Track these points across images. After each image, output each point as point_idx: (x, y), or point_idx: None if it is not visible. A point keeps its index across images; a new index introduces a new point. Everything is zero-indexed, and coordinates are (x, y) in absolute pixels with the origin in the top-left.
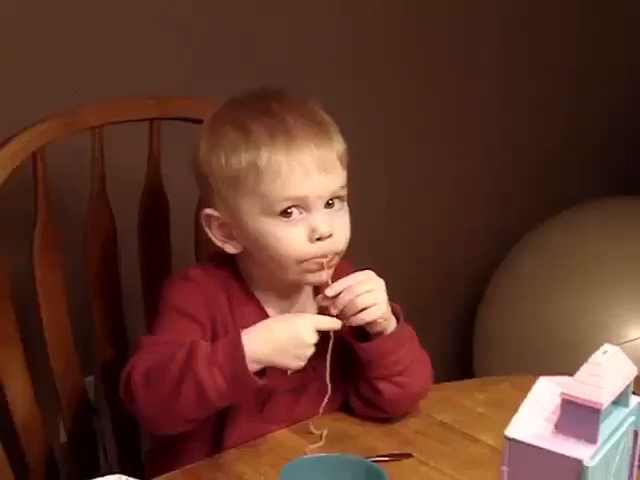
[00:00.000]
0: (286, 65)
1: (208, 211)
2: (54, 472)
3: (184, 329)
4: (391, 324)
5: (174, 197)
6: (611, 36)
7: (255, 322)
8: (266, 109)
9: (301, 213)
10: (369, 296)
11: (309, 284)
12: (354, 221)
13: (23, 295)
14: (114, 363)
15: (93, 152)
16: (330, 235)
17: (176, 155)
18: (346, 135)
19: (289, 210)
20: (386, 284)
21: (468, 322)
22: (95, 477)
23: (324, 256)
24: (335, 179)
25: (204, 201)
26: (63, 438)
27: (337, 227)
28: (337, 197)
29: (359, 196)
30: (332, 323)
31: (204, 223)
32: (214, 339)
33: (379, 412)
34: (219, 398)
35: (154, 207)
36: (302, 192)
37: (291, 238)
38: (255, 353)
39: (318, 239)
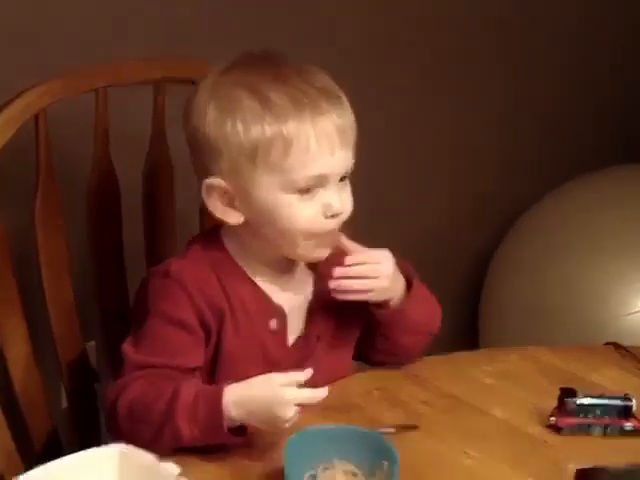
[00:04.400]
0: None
1: (211, 181)
2: (55, 438)
3: (170, 337)
4: (397, 291)
5: (178, 160)
6: None
7: (249, 299)
8: (281, 76)
9: (317, 188)
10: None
11: (313, 260)
12: (356, 189)
13: (24, 259)
14: (116, 328)
15: (96, 114)
16: (342, 211)
17: (181, 118)
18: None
19: (309, 187)
20: (392, 250)
21: (474, 293)
22: (96, 443)
23: (334, 232)
24: (351, 154)
25: (202, 166)
26: (64, 404)
27: (346, 203)
28: (347, 174)
29: (361, 165)
30: (316, 396)
31: (204, 193)
32: (208, 333)
33: (400, 359)
34: (196, 443)
35: (158, 170)
36: (327, 170)
37: (306, 214)
38: (232, 419)
39: (331, 215)
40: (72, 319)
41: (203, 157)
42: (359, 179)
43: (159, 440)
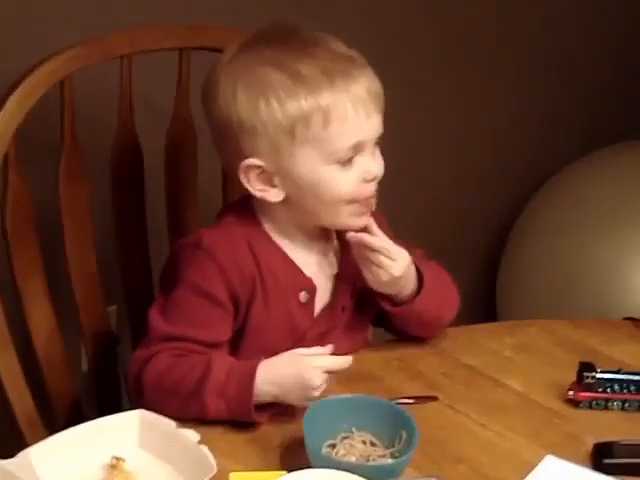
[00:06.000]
0: None
1: (249, 161)
2: (76, 401)
3: (199, 310)
4: (407, 287)
5: (202, 128)
6: None
7: (281, 271)
8: (303, 48)
9: (356, 156)
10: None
11: (354, 228)
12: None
13: (47, 223)
14: (137, 293)
15: (121, 81)
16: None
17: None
18: None
19: (350, 157)
20: (407, 228)
21: (493, 264)
22: (115, 406)
23: (373, 196)
24: (382, 118)
25: (233, 150)
26: (85, 367)
27: (381, 166)
28: (379, 139)
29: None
30: (342, 362)
31: (243, 176)
32: (237, 306)
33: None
34: (219, 417)
35: (182, 138)
36: (364, 136)
37: (348, 182)
38: (261, 397)
39: (371, 180)
40: (94, 283)
41: (236, 140)
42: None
43: (184, 412)
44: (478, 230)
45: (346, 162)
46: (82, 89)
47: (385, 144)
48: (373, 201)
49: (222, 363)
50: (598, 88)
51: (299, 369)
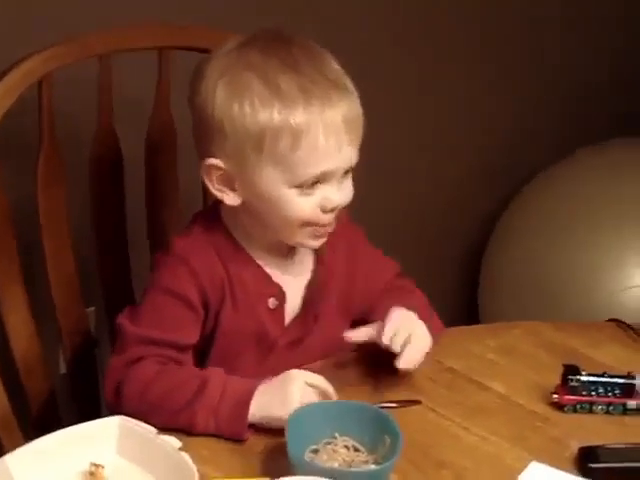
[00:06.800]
0: None
1: (212, 161)
2: (53, 403)
3: (169, 311)
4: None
5: (182, 129)
6: None
7: (249, 277)
8: (292, 62)
9: (320, 184)
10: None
11: (309, 247)
12: (360, 161)
13: (25, 225)
14: (116, 294)
15: (100, 81)
16: (339, 205)
17: (186, 86)
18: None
19: (313, 183)
20: (391, 225)
21: (475, 265)
22: (94, 409)
23: (331, 224)
24: (356, 151)
25: (204, 145)
26: (63, 369)
27: (346, 194)
28: (351, 168)
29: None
30: (320, 380)
31: (204, 172)
32: (207, 311)
33: None
34: (207, 433)
35: (162, 139)
36: (332, 167)
37: (305, 207)
38: (251, 420)
39: (330, 209)
40: (72, 285)
41: (207, 136)
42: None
43: (170, 425)
44: (460, 231)
45: (307, 188)
46: (60, 89)
47: (368, 142)
48: (330, 227)
49: (218, 382)
50: (583, 86)
51: (280, 380)
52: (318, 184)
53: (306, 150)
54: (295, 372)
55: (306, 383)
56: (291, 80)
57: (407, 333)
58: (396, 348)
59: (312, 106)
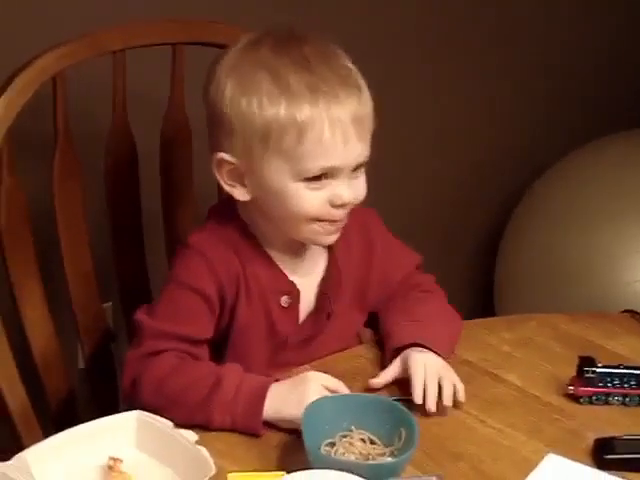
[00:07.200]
0: None
1: (222, 155)
2: (72, 398)
3: (186, 304)
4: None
5: (196, 124)
6: None
7: (264, 274)
8: (303, 60)
9: (328, 179)
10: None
11: (318, 244)
12: (373, 156)
13: (42, 221)
14: (133, 289)
15: (114, 77)
16: (350, 202)
17: (200, 81)
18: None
19: (320, 177)
20: (403, 218)
21: (489, 258)
22: (112, 404)
23: (341, 220)
24: (366, 147)
25: (216, 140)
26: (81, 364)
27: (357, 189)
28: (362, 164)
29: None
30: (336, 384)
31: (215, 166)
32: (223, 305)
33: None
34: (223, 429)
35: (176, 134)
36: (339, 162)
37: (313, 202)
38: (265, 417)
39: (339, 205)
40: (89, 280)
41: (217, 131)
42: (376, 132)
43: (187, 420)
44: (475, 223)
45: (315, 182)
46: (75, 85)
47: (382, 137)
48: (342, 223)
49: (233, 379)
50: (595, 78)
51: (297, 380)
52: (326, 179)
53: (311, 143)
54: (312, 374)
55: (322, 386)
56: (301, 78)
57: (436, 383)
58: (432, 407)
59: (318, 102)
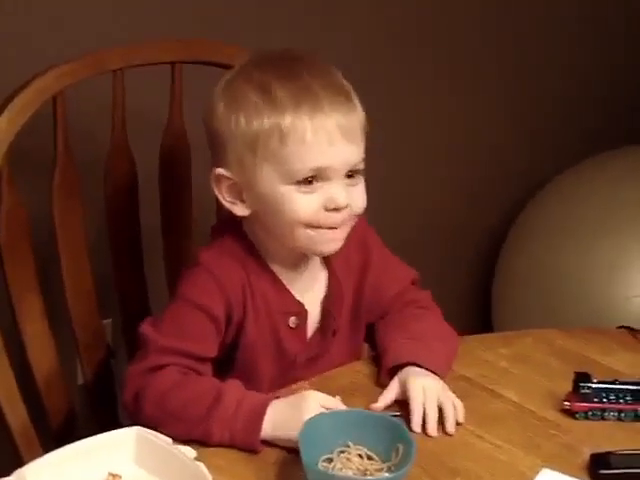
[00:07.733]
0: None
1: (220, 171)
2: (71, 414)
3: (192, 322)
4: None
5: (196, 142)
6: None
7: (271, 294)
8: (290, 73)
9: (319, 182)
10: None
11: (318, 254)
12: (369, 172)
13: (42, 238)
14: (132, 305)
15: (114, 95)
16: (347, 206)
17: (199, 100)
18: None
19: (310, 179)
20: (402, 233)
21: (487, 273)
22: (111, 419)
23: (336, 226)
24: (357, 150)
25: (215, 159)
26: (80, 380)
27: (355, 197)
28: (357, 171)
29: (373, 145)
30: (335, 401)
31: (213, 183)
32: (229, 322)
33: None
34: (222, 445)
35: (175, 152)
36: (326, 162)
37: (307, 206)
38: (263, 436)
39: (334, 209)
40: (89, 297)
41: (213, 148)
42: (376, 145)
43: (187, 435)
44: (473, 239)
45: (306, 186)
46: (75, 104)
47: (379, 145)
48: (344, 229)
49: (233, 395)
50: (599, 91)
51: (296, 398)
52: (318, 182)
53: (294, 144)
54: (310, 393)
55: (321, 405)
56: (288, 90)
57: (436, 408)
58: (434, 433)
59: (301, 111)
